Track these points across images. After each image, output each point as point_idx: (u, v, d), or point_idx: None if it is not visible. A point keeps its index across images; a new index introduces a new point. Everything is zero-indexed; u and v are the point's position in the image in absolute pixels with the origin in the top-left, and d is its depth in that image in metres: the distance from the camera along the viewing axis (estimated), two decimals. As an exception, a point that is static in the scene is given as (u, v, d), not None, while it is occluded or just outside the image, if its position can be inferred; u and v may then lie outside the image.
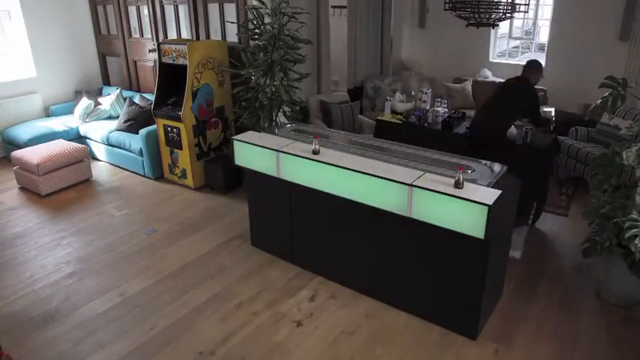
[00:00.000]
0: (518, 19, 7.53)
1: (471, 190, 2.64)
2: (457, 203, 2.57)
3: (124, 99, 6.11)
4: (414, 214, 2.78)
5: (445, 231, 2.67)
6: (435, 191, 2.64)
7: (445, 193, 2.61)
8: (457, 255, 2.83)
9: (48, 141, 5.57)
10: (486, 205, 2.48)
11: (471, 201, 2.52)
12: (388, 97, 5.65)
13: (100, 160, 6.09)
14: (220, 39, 5.40)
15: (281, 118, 4.66)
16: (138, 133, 5.42)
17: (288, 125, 4.00)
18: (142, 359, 2.85)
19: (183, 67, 4.83)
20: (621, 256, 3.11)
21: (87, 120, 6.16)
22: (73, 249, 4.06)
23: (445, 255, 2.89)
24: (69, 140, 5.77)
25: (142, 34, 6.29)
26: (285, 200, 3.61)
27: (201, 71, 4.91)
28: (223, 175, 5.03)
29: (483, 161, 3.06)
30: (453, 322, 3.02)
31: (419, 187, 2.71)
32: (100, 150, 6.01)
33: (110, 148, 5.82)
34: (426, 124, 4.85)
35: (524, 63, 4.30)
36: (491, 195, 2.57)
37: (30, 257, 3.95)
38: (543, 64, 4.10)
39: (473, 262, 2.78)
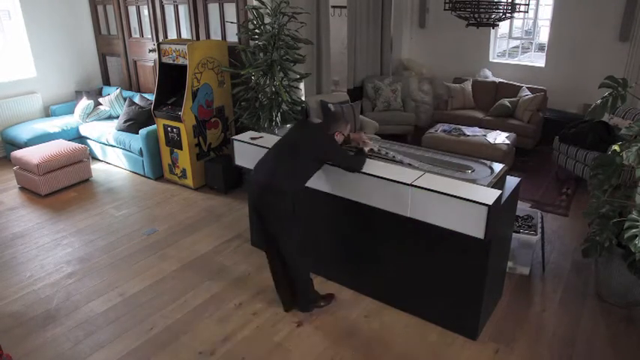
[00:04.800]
0: (518, 19, 7.52)
1: (471, 190, 2.64)
2: (457, 203, 2.57)
3: (124, 99, 6.11)
4: (414, 214, 2.78)
5: (445, 231, 2.67)
6: (435, 191, 2.64)
7: (445, 193, 2.61)
8: (457, 255, 2.83)
9: (48, 141, 5.57)
10: (486, 205, 2.48)
11: (471, 201, 2.52)
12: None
13: (100, 160, 6.09)
14: (220, 39, 5.40)
15: (281, 118, 4.65)
16: (138, 133, 5.42)
17: (288, 125, 4.00)
18: (141, 359, 2.86)
19: (183, 67, 4.83)
20: (621, 256, 3.11)
21: (87, 120, 6.16)
22: (73, 249, 4.06)
23: (445, 255, 2.89)
24: (69, 140, 5.78)
25: (142, 34, 6.29)
26: (285, 200, 3.59)
27: (201, 71, 4.91)
28: (223, 175, 5.03)
29: (483, 161, 3.06)
30: (453, 322, 3.02)
31: (419, 187, 2.71)
32: (100, 150, 6.01)
33: (110, 148, 5.82)
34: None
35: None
36: (491, 195, 2.57)
37: (30, 257, 3.95)
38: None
39: (473, 262, 2.78)
